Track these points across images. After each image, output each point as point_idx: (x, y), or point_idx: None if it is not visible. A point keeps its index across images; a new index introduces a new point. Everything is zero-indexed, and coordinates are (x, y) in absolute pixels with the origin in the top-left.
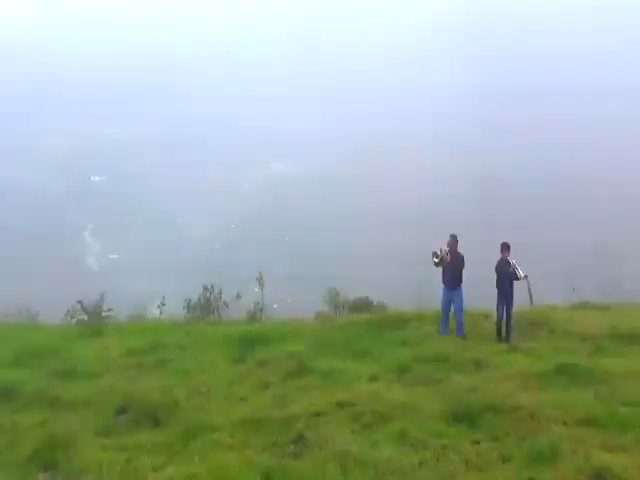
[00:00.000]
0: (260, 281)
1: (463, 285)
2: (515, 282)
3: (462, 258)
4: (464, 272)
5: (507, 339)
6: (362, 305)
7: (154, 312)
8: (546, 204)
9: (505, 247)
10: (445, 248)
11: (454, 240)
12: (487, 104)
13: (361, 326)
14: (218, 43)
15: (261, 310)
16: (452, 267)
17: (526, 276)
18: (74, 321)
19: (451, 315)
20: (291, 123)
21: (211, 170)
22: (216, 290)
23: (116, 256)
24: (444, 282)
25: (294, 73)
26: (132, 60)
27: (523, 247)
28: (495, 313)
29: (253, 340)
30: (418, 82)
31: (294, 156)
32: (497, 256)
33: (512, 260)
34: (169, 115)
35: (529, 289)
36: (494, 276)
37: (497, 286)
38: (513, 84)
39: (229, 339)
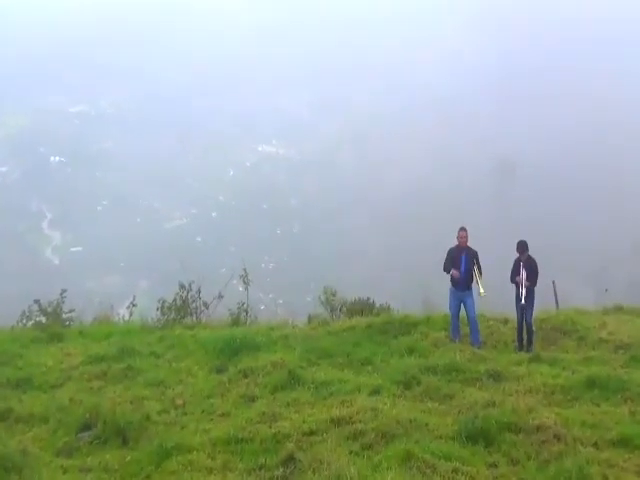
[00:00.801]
0: (245, 279)
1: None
2: (536, 281)
3: (475, 253)
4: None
5: (529, 347)
6: (362, 307)
7: (123, 313)
8: (571, 193)
9: (522, 246)
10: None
11: (464, 233)
12: (501, 80)
13: (361, 331)
14: (194, 12)
15: (246, 312)
16: (463, 265)
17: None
18: (30, 323)
19: (462, 318)
20: (280, 102)
21: (191, 153)
22: (195, 289)
23: (79, 249)
24: (453, 283)
25: (280, 49)
26: (99, 30)
27: (546, 245)
28: (515, 318)
29: (237, 346)
30: (420, 57)
31: (285, 138)
32: (514, 253)
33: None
34: (141, 90)
35: (554, 290)
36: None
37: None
38: (530, 59)
39: (209, 345)
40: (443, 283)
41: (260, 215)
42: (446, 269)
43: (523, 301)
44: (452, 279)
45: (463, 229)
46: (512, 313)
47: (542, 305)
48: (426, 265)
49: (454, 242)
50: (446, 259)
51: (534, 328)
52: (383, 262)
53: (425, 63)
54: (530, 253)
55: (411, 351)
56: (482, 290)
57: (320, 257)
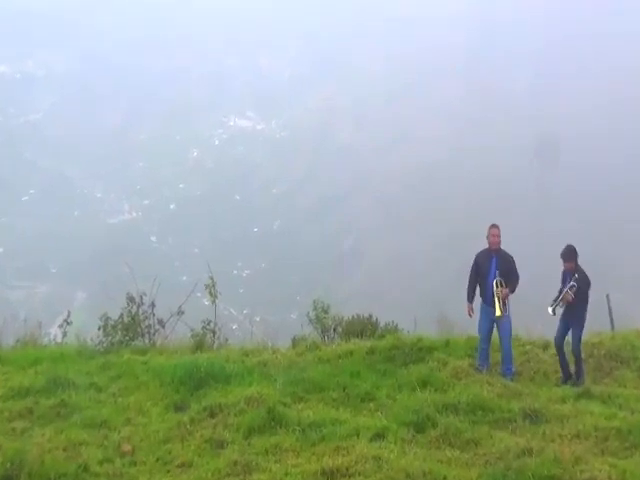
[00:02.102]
0: (212, 290)
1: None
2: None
3: (511, 260)
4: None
5: (576, 379)
6: (363, 327)
7: (54, 333)
8: (624, 181)
9: (569, 255)
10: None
11: (496, 231)
12: (542, 49)
13: (361, 358)
14: None
15: (213, 333)
16: (492, 274)
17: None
18: None
19: (493, 342)
20: (259, 64)
21: (143, 129)
22: (147, 302)
23: (0, 250)
24: (484, 298)
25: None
26: None
27: (596, 247)
28: (555, 341)
29: (201, 377)
30: (440, 11)
31: (264, 109)
32: (555, 258)
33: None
34: (79, 48)
35: (609, 306)
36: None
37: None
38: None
39: (165, 375)
40: (465, 298)
41: (232, 208)
42: (470, 287)
43: (551, 311)
44: (481, 293)
45: (495, 226)
46: (554, 336)
47: (594, 325)
48: (444, 273)
49: (483, 244)
50: (471, 269)
51: (583, 355)
52: (388, 269)
53: (447, 19)
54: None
55: (425, 384)
56: (498, 310)
57: (308, 262)
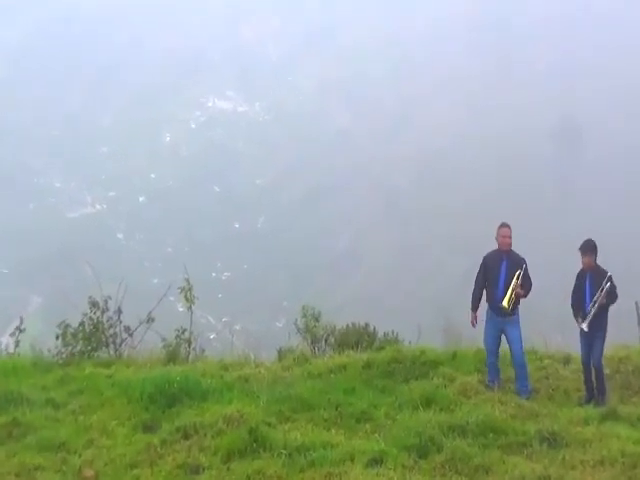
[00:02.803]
0: (187, 294)
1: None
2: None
3: (521, 261)
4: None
5: (600, 398)
6: (358, 337)
7: (6, 343)
8: None
9: (589, 249)
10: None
11: (507, 231)
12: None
13: (356, 373)
14: None
15: (188, 343)
16: (503, 278)
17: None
18: None
19: (505, 356)
20: (241, 36)
21: (108, 109)
22: (113, 308)
23: None
24: (491, 305)
25: None
26: None
27: (625, 242)
28: (580, 355)
29: (174, 393)
30: None
31: (247, 88)
32: (574, 260)
33: (607, 272)
34: (34, 17)
35: (638, 314)
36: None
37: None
38: None
39: (133, 391)
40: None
41: (210, 202)
42: (476, 292)
43: (586, 327)
44: (489, 300)
45: (505, 225)
46: (576, 348)
47: (620, 336)
48: (451, 275)
49: (492, 245)
50: (478, 272)
51: (606, 370)
52: (389, 270)
53: None
54: (601, 263)
55: (429, 402)
56: (506, 301)
57: (297, 264)
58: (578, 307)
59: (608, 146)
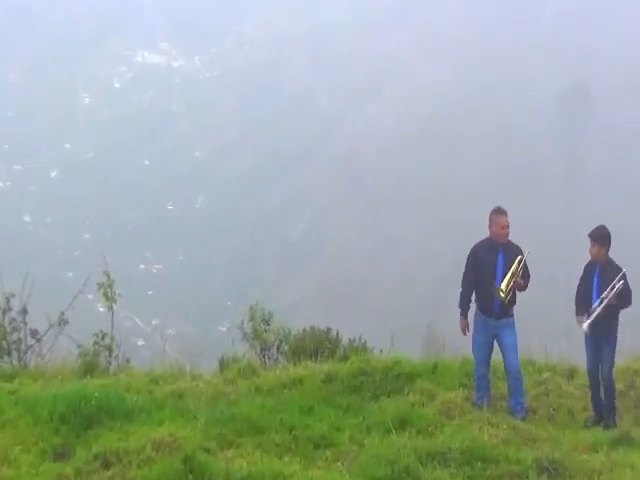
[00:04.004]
0: (108, 291)
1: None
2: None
3: (519, 253)
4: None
5: (609, 419)
6: (318, 344)
7: None
8: None
9: (601, 237)
10: (521, 258)
11: (505, 220)
12: None
13: (315, 388)
14: None
15: (110, 351)
16: (500, 273)
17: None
18: None
19: (496, 368)
20: None
21: (12, 67)
22: (15, 307)
23: None
24: (482, 307)
25: None
26: None
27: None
28: (586, 369)
29: (91, 413)
30: None
31: (182, 40)
32: (585, 253)
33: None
34: None
35: None
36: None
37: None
38: None
39: (41, 409)
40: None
41: (137, 177)
42: (465, 292)
43: (587, 329)
44: (480, 300)
45: (501, 212)
46: (583, 359)
47: (635, 345)
48: (433, 270)
49: (484, 233)
50: (467, 267)
51: (617, 386)
52: (357, 263)
53: None
54: (613, 256)
55: (403, 424)
56: (504, 285)
57: (244, 254)
58: (582, 304)
59: (624, 116)
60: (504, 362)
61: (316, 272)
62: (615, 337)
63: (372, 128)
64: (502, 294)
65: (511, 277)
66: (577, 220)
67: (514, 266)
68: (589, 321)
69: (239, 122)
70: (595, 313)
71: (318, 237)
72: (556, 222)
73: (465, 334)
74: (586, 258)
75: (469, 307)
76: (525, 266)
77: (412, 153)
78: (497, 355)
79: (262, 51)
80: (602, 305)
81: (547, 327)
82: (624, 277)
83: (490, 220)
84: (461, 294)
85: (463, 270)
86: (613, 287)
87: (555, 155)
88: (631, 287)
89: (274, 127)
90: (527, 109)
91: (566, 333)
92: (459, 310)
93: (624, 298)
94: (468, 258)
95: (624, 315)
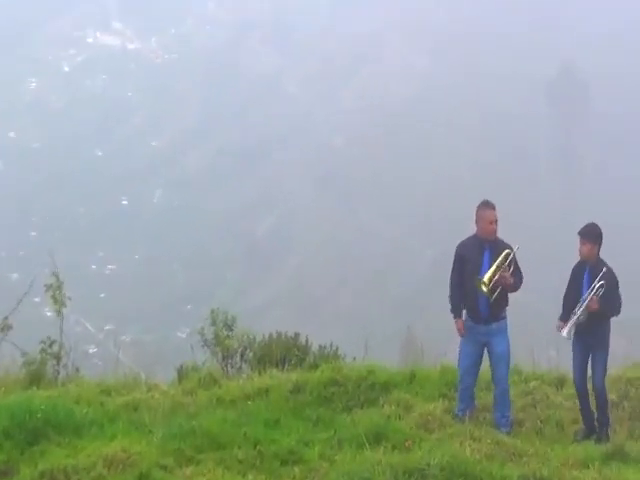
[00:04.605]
0: (57, 294)
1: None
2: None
3: (508, 250)
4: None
5: (601, 432)
6: (285, 351)
7: None
8: None
9: (593, 235)
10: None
11: (492, 214)
12: None
13: (282, 399)
14: None
15: (58, 359)
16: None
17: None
18: None
19: (480, 378)
20: None
21: None
22: None
23: None
24: (468, 310)
25: None
26: None
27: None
28: (574, 379)
29: (37, 427)
30: None
31: (137, 21)
32: (575, 252)
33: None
34: None
35: None
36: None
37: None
38: None
39: None
40: (445, 307)
41: (89, 169)
42: (455, 293)
43: (566, 335)
44: (465, 306)
45: (490, 207)
46: (571, 367)
47: (629, 351)
48: (412, 271)
49: (469, 230)
50: (453, 269)
51: (610, 396)
52: (329, 263)
53: None
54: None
55: (378, 438)
56: (487, 277)
57: (205, 253)
58: (568, 308)
59: (618, 102)
60: (492, 373)
61: (285, 272)
62: (607, 343)
63: (344, 116)
64: (484, 287)
65: (495, 270)
66: (571, 219)
67: (499, 259)
68: (568, 326)
69: (200, 110)
70: (575, 317)
71: (287, 234)
72: (549, 220)
73: (462, 335)
74: (576, 256)
75: (461, 308)
76: (515, 264)
77: (388, 143)
78: (483, 364)
79: (225, 32)
80: (582, 309)
81: (535, 333)
82: (607, 277)
83: (476, 215)
84: (450, 298)
85: (450, 272)
86: (593, 288)
87: (545, 145)
88: (621, 294)
89: (238, 115)
90: (513, 96)
91: (555, 340)
92: (451, 311)
93: (610, 305)
94: (454, 258)
95: (618, 319)
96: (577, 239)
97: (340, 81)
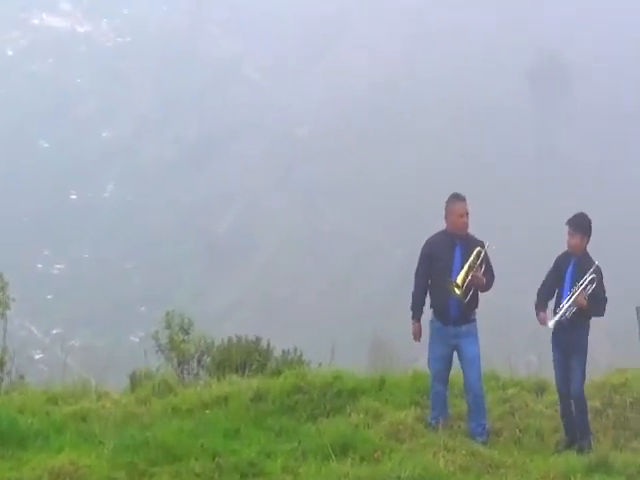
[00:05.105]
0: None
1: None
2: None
3: (480, 247)
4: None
5: (582, 442)
6: (246, 356)
7: None
8: None
9: (583, 225)
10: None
11: (463, 207)
12: None
13: (242, 408)
14: None
15: (0, 366)
16: (457, 269)
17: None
18: None
19: (454, 383)
20: None
21: None
22: None
23: None
24: (437, 311)
25: None
26: None
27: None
28: (557, 386)
29: None
30: None
31: (95, 1)
32: (562, 243)
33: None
34: None
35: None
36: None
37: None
38: None
39: None
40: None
41: (33, 161)
42: (417, 293)
43: (552, 325)
44: (435, 304)
45: (460, 199)
46: (552, 373)
47: (615, 356)
48: (381, 271)
49: (440, 225)
50: (419, 264)
51: (594, 403)
52: (290, 263)
53: None
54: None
55: (345, 449)
56: (460, 279)
57: (159, 251)
58: (545, 300)
59: (601, 90)
60: (464, 378)
61: (247, 273)
62: (585, 347)
63: (310, 105)
64: (457, 290)
65: (468, 270)
66: (550, 216)
67: (471, 258)
68: (556, 318)
69: (155, 97)
70: (565, 308)
71: (248, 233)
72: (526, 219)
73: (417, 340)
74: (558, 250)
75: (422, 310)
76: (488, 262)
77: (354, 133)
78: (456, 368)
79: (181, 14)
80: (571, 300)
81: (514, 337)
82: (598, 273)
83: (446, 209)
84: (413, 295)
85: (416, 268)
86: (582, 283)
87: (525, 137)
88: (606, 293)
89: (196, 103)
90: (490, 83)
91: (535, 344)
92: (411, 312)
93: (598, 304)
94: (421, 253)
95: (599, 323)
96: (551, 237)
97: (305, 67)
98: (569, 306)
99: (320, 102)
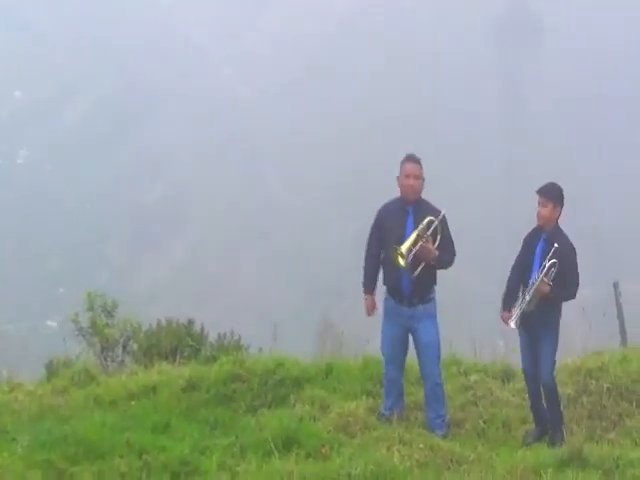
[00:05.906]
0: None
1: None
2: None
3: (435, 214)
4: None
5: (554, 434)
6: (177, 340)
7: None
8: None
9: (555, 194)
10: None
11: (415, 168)
12: None
13: (173, 398)
14: None
15: None
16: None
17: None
18: None
19: (410, 369)
20: None
21: None
22: None
23: None
24: (389, 287)
25: None
26: None
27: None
28: (523, 370)
29: None
30: None
31: None
32: (531, 214)
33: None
34: None
35: (618, 304)
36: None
37: (519, 297)
38: None
39: None
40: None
41: None
42: (369, 264)
43: (514, 324)
44: (388, 280)
45: (412, 160)
46: (519, 357)
47: (589, 337)
48: (330, 245)
49: (394, 191)
50: (371, 234)
51: (567, 390)
52: (222, 237)
53: None
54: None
55: (289, 444)
56: (405, 248)
57: (80, 226)
58: (515, 291)
59: (573, 45)
60: (420, 365)
61: (178, 249)
62: (556, 328)
63: (252, 62)
64: (401, 260)
65: (416, 239)
66: (519, 178)
67: (420, 226)
68: (515, 315)
69: (75, 54)
70: (523, 303)
71: (181, 204)
72: (491, 180)
73: (370, 314)
74: (530, 225)
75: (375, 284)
76: (446, 235)
77: (301, 92)
78: (412, 353)
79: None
80: (532, 292)
81: (479, 318)
82: (567, 254)
83: (400, 169)
84: (364, 269)
85: (367, 241)
86: (545, 266)
87: (490, 94)
88: (579, 273)
89: (124, 60)
90: (454, 33)
91: (502, 326)
92: (363, 285)
93: (565, 290)
94: (373, 222)
95: (573, 301)
96: (521, 213)
97: (245, 19)
98: (531, 297)
99: (263, 58)
